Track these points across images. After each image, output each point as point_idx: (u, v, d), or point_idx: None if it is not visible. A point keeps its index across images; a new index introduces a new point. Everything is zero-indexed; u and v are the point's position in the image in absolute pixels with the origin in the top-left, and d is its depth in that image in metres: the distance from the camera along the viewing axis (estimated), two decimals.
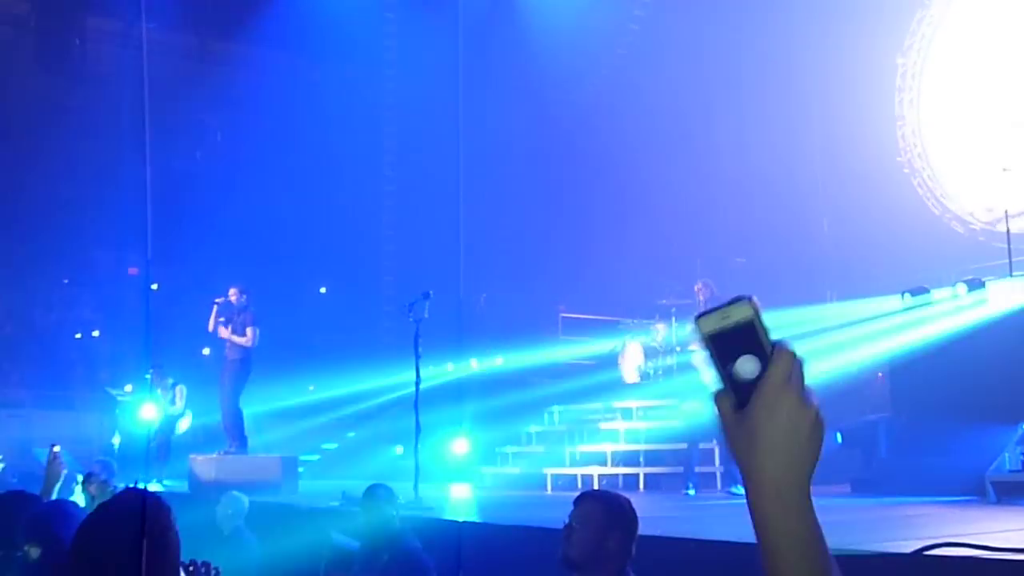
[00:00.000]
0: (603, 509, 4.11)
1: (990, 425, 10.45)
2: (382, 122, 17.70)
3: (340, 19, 18.99)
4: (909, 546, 5.90)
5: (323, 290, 19.29)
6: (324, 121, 18.08)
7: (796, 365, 1.22)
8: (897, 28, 17.57)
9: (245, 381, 13.69)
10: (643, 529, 4.38)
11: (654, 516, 9.48)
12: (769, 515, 1.21)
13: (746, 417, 1.21)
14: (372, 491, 5.85)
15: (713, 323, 1.20)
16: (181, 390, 15.18)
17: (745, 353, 1.19)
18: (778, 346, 1.21)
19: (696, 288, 15.29)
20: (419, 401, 10.25)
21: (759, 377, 1.20)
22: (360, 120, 17.78)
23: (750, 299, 1.22)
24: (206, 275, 17.90)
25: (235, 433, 13.49)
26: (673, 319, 15.38)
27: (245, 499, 8.66)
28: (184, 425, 15.49)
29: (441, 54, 17.75)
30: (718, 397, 1.23)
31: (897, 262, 15.26)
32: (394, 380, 16.60)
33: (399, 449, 16.22)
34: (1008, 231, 13.31)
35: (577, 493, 4.38)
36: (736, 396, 1.21)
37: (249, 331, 13.33)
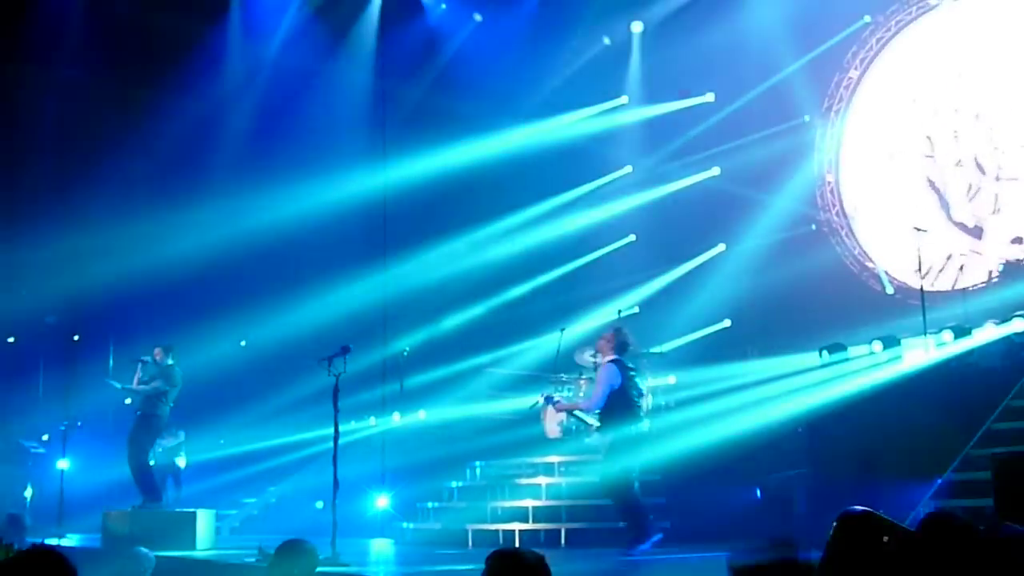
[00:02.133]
0: (512, 567, 4.06)
1: (906, 480, 10.60)
2: (305, 171, 17.59)
3: (264, 70, 19.09)
4: None
5: (243, 343, 19.06)
6: (242, 172, 18.00)
7: None
8: (819, 88, 17.98)
9: (156, 436, 13.62)
10: None
11: (576, 573, 9.47)
12: None
13: None
14: (285, 547, 5.74)
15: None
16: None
17: None
18: None
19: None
20: (339, 455, 10.13)
21: None
22: (281, 170, 17.72)
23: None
24: (125, 327, 17.68)
25: (146, 487, 13.28)
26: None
27: (151, 556, 8.41)
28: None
29: (362, 110, 18.01)
30: None
31: (816, 320, 15.50)
32: (316, 433, 16.47)
33: (320, 504, 16.05)
34: (922, 289, 13.63)
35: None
36: None
37: (156, 383, 13.22)
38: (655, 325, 16.68)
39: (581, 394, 14.83)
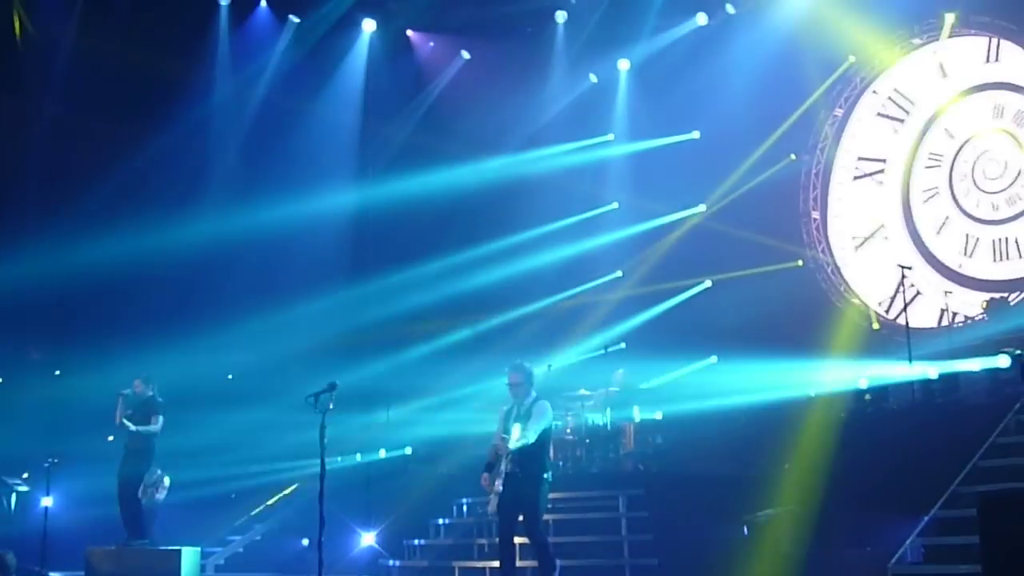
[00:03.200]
0: None
1: (893, 517, 10.61)
2: (289, 205, 17.58)
3: (251, 107, 19.13)
4: None
5: (230, 376, 18.99)
6: (228, 207, 18.00)
7: None
8: (805, 126, 18.12)
9: (144, 471, 13.45)
10: None
11: None
12: None
13: None
14: None
15: None
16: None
17: None
18: None
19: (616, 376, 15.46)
20: (325, 492, 10.06)
21: None
22: (265, 204, 17.72)
23: None
24: (109, 362, 17.56)
25: (134, 524, 13.15)
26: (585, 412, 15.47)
27: None
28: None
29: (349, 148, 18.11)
30: None
31: (802, 351, 15.51)
32: (301, 471, 16.40)
33: (306, 541, 15.96)
34: (907, 325, 13.67)
35: None
36: None
37: (154, 419, 13.11)
38: (642, 360, 16.67)
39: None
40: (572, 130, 19.58)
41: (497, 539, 10.14)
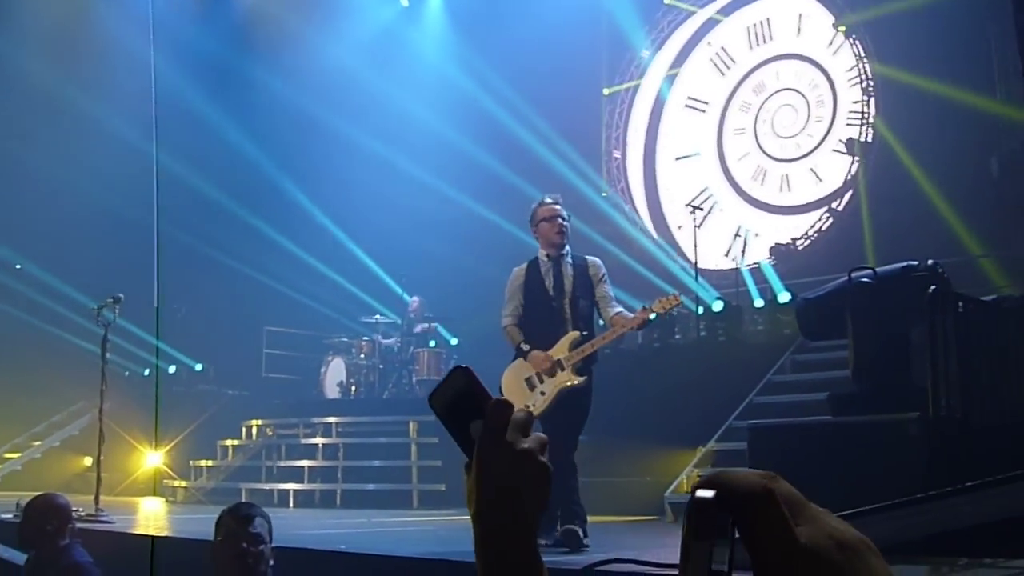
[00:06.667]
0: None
1: (671, 448, 11.02)
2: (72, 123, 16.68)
3: None
4: (583, 563, 6.14)
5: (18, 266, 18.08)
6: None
7: (508, 418, 1.23)
8: (611, 65, 18.30)
9: None
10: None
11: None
12: (493, 563, 1.22)
13: (471, 473, 1.23)
14: (36, 501, 5.51)
15: (441, 397, 1.25)
16: None
17: (474, 419, 1.23)
18: (492, 403, 1.24)
19: (411, 305, 15.40)
20: (106, 410, 9.78)
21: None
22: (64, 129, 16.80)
23: (465, 368, 1.26)
24: None
25: None
26: (379, 336, 15.44)
27: None
28: None
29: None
30: (466, 467, 1.25)
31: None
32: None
33: (88, 460, 15.53)
34: (696, 265, 14.12)
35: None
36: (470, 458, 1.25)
37: None
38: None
39: (363, 355, 14.83)
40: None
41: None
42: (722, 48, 18.23)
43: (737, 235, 16.26)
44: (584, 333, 7.13)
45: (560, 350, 7.08)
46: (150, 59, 13.55)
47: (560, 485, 6.42)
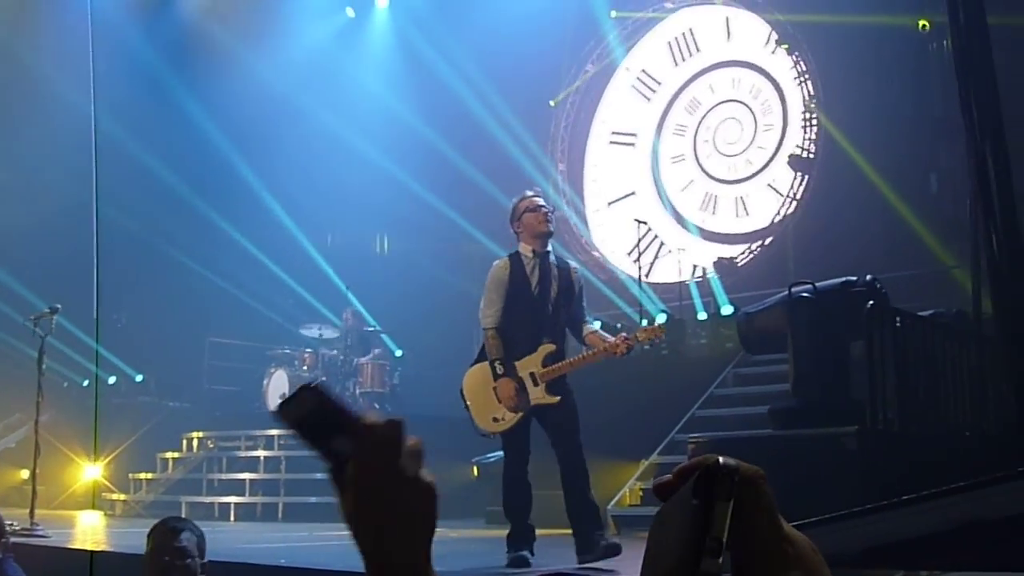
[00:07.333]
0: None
1: (613, 461, 11.04)
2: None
3: None
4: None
5: None
6: None
7: (399, 441, 1.13)
8: (556, 77, 18.12)
9: None
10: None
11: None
12: None
13: (346, 500, 1.13)
14: None
15: (291, 415, 1.14)
16: None
17: (334, 434, 1.13)
18: (383, 425, 1.13)
19: (344, 316, 15.33)
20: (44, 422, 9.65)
21: (350, 457, 1.13)
22: None
23: (313, 387, 1.15)
24: None
25: None
26: (322, 348, 15.38)
27: None
28: None
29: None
30: (334, 478, 1.14)
31: None
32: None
33: (24, 473, 15.25)
34: (639, 279, 14.15)
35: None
36: (337, 474, 1.14)
37: None
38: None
39: (306, 367, 14.73)
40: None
41: None
42: (642, 71, 17.44)
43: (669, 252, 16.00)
44: (556, 346, 6.88)
45: (534, 362, 6.80)
46: (88, 59, 13.37)
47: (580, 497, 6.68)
